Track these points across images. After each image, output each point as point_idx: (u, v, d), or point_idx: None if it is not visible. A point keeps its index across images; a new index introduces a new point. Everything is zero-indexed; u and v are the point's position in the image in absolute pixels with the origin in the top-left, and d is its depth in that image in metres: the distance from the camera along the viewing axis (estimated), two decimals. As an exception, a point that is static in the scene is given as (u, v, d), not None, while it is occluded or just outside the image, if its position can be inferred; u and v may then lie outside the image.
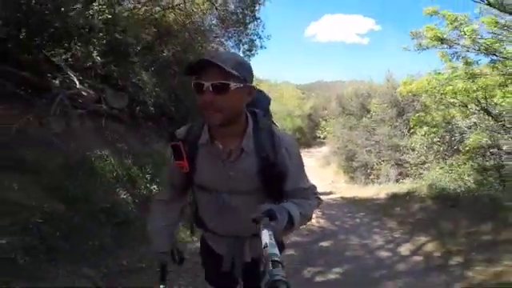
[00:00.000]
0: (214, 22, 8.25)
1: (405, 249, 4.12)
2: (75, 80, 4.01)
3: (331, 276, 3.33)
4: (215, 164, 1.11)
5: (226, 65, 0.92)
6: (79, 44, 4.07)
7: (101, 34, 4.18)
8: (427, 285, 3.07)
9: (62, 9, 3.62)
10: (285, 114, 31.29)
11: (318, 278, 3.24)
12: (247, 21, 7.77)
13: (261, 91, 1.26)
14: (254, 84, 1.06)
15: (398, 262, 3.74)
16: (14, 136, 3.19)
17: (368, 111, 16.69)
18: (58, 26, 3.62)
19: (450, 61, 7.61)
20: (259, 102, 1.19)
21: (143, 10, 6.30)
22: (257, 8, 7.73)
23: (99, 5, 4.25)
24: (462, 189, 5.60)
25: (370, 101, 17.40)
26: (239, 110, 1.04)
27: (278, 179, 1.09)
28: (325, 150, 23.48)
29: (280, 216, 0.93)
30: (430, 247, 4.06)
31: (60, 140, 3.58)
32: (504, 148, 5.49)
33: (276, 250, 0.76)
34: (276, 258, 0.72)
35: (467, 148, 6.19)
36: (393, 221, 5.65)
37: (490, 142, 5.80)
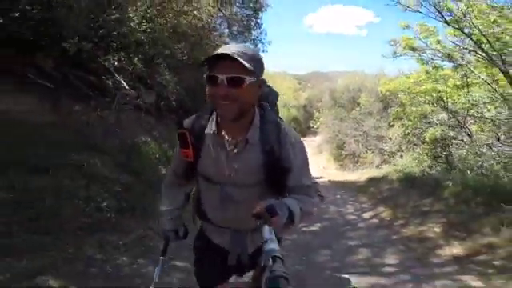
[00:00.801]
0: (221, 26, 9.44)
1: (367, 215, 5.56)
2: (123, 82, 5.28)
3: (313, 228, 4.74)
4: (220, 155, 1.10)
5: (242, 59, 0.93)
6: (127, 53, 5.33)
7: (146, 47, 5.46)
8: (375, 235, 4.48)
9: (124, 29, 4.87)
10: (281, 104, 32.52)
11: (304, 229, 4.61)
12: (251, 27, 8.97)
13: (269, 86, 1.28)
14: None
15: (360, 222, 5.17)
16: (87, 126, 4.49)
17: (358, 104, 18.09)
18: (119, 41, 4.88)
19: (423, 65, 8.99)
20: (268, 97, 1.21)
21: (165, 19, 7.47)
22: (260, 16, 8.93)
23: (146, 23, 5.51)
24: (420, 172, 7.04)
25: (360, 95, 18.79)
26: (251, 103, 1.05)
27: (281, 173, 1.09)
28: (318, 139, 24.89)
29: (280, 212, 0.93)
30: (384, 214, 5.50)
31: (115, 129, 4.89)
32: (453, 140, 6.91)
33: (276, 246, 0.78)
34: (276, 254, 0.75)
35: (426, 140, 7.62)
36: (365, 197, 7.10)
37: (444, 135, 7.20)
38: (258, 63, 0.99)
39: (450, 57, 7.91)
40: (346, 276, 3.03)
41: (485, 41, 6.28)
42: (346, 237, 4.41)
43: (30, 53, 3.99)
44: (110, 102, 4.85)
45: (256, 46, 9.13)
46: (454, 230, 4.09)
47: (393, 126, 11.72)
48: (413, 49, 8.47)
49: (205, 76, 1.00)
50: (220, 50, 0.96)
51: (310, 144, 25.18)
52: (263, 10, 9.07)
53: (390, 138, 11.19)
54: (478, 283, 2.86)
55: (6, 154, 3.11)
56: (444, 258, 3.49)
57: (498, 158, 5.93)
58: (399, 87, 9.69)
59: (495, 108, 6.85)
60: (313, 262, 3.44)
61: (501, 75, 6.49)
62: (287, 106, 34.76)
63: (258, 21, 8.93)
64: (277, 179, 1.09)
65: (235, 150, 1.08)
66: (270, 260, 0.73)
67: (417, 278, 3.04)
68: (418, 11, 7.46)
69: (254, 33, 8.98)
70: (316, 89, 42.32)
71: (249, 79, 0.96)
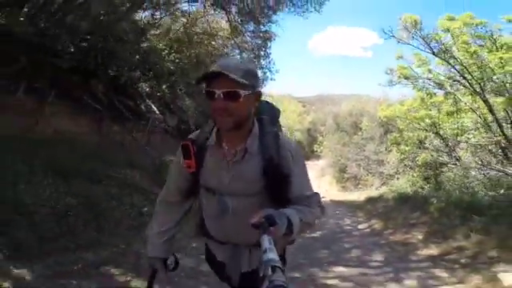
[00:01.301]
0: (232, 53, 10.52)
1: (361, 226, 6.25)
2: (153, 107, 6.23)
3: (314, 235, 5.44)
4: (220, 165, 1.13)
5: (237, 74, 0.97)
6: (158, 81, 6.33)
7: (175, 76, 6.48)
8: (366, 240, 5.18)
9: (155, 58, 5.89)
10: (285, 127, 33.58)
11: (306, 235, 5.28)
12: (261, 56, 10.06)
13: (270, 103, 1.32)
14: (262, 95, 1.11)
15: (355, 231, 5.87)
16: (123, 146, 5.39)
17: (360, 129, 19.00)
18: (152, 69, 5.90)
19: (419, 91, 9.82)
20: (269, 112, 1.23)
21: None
22: (268, 45, 10.04)
23: (175, 53, 6.57)
24: (412, 192, 7.75)
25: (361, 119, 19.74)
26: (248, 115, 1.08)
27: (280, 182, 1.10)
28: (321, 162, 25.64)
29: (279, 221, 0.93)
30: (377, 226, 6.19)
31: (146, 148, 5.78)
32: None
33: (275, 255, 0.77)
34: (275, 264, 0.74)
35: (419, 163, 8.39)
36: (361, 213, 7.78)
37: (434, 159, 7.98)
38: (252, 76, 1.03)
39: (440, 85, 8.81)
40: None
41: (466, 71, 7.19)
42: (342, 241, 5.11)
43: (87, 79, 4.96)
44: (143, 125, 5.78)
45: (265, 74, 10.19)
46: (433, 237, 4.78)
47: (391, 150, 12.50)
48: (407, 77, 9.40)
49: (203, 91, 1.05)
50: (215, 67, 1.01)
51: (314, 167, 25.87)
52: (272, 39, 10.19)
53: (388, 162, 11.95)
54: (444, 274, 3.54)
55: (68, 167, 3.98)
56: (421, 256, 4.18)
57: (480, 179, 6.65)
58: (395, 113, 10.56)
59: (480, 134, 7.66)
60: (314, 258, 4.16)
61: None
62: (292, 129, 35.80)
63: (267, 50, 10.03)
64: (276, 189, 1.11)
65: (234, 159, 1.11)
66: (270, 270, 0.73)
67: (397, 270, 3.73)
68: (409, 44, 8.46)
69: (262, 62, 10.04)
70: (320, 112, 43.53)
71: (244, 92, 1.00)
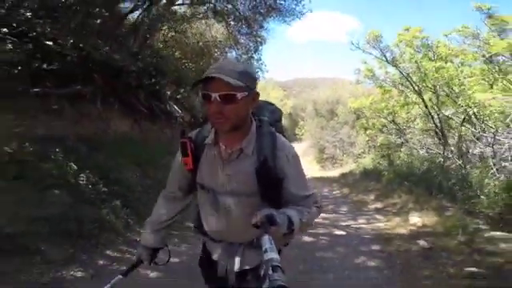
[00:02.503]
0: (229, 53, 12.28)
1: (335, 192, 8.56)
2: (175, 107, 8.09)
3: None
4: (216, 164, 1.15)
5: (232, 77, 0.97)
6: (178, 86, 8.13)
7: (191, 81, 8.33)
8: (338, 200, 7.44)
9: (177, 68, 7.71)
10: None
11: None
12: (254, 58, 11.90)
13: (271, 104, 1.35)
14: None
15: (331, 195, 8.15)
16: (161, 140, 7.26)
17: (336, 115, 21.42)
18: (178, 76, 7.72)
19: (380, 88, 12.13)
20: (269, 114, 1.25)
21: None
22: (260, 48, 11.85)
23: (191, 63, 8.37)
24: (372, 167, 10.11)
25: (337, 106, 22.14)
26: (245, 116, 1.09)
27: (275, 183, 1.11)
28: (303, 145, 28.12)
29: (280, 221, 0.95)
30: (345, 191, 8.53)
31: (172, 141, 7.66)
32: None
33: (276, 255, 0.79)
34: (276, 263, 0.75)
35: (379, 144, 10.77)
36: (336, 184, 10.12)
37: (389, 141, 10.37)
38: (249, 77, 1.03)
39: (394, 84, 11.14)
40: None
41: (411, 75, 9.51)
42: (322, 201, 7.35)
43: (136, 89, 6.71)
44: (170, 122, 7.65)
45: (257, 73, 12.02)
46: (380, 197, 7.11)
47: (360, 134, 14.92)
48: (370, 77, 11.68)
49: (200, 94, 1.06)
50: (211, 70, 1.00)
51: (296, 148, 28.28)
52: (263, 43, 12.02)
53: (357, 144, 14.42)
54: (381, 217, 5.79)
55: (139, 157, 5.80)
56: (370, 208, 6.48)
57: (419, 156, 9.07)
58: (362, 105, 12.89)
59: (422, 122, 10.06)
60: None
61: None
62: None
63: (260, 54, 11.87)
64: (271, 190, 1.12)
65: (230, 159, 1.13)
66: (271, 269, 0.74)
67: (354, 215, 5.99)
68: (371, 53, 10.66)
69: (255, 63, 11.87)
70: (300, 97, 45.82)
71: (240, 94, 1.00)
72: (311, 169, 20.80)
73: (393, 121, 11.11)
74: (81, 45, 4.76)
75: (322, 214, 5.33)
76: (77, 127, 4.99)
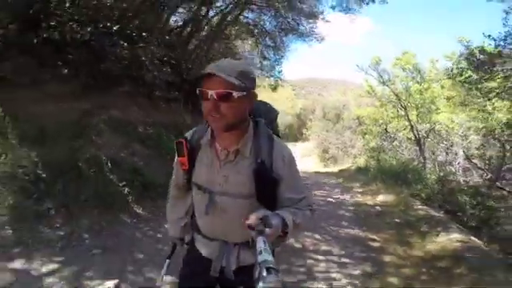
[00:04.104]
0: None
1: (331, 182, 11.10)
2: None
3: (309, 182, 10.21)
4: (212, 164, 1.18)
5: (230, 75, 0.99)
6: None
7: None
8: (333, 187, 9.98)
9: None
10: (280, 111, 38.02)
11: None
12: (275, 67, 14.38)
13: (268, 104, 1.36)
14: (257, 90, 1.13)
15: (328, 184, 10.67)
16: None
17: (342, 119, 23.87)
18: None
19: (378, 101, 14.65)
20: (265, 114, 1.27)
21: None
22: (282, 61, 14.30)
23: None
24: (364, 166, 12.66)
25: (343, 111, 24.58)
26: (242, 116, 1.10)
27: (271, 185, 1.13)
28: (309, 144, 30.60)
29: (275, 223, 0.97)
30: (340, 181, 11.07)
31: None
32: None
33: (270, 257, 0.80)
34: (271, 265, 0.76)
35: (371, 147, 13.31)
36: (334, 177, 12.67)
37: (378, 145, 12.90)
38: (247, 77, 1.05)
39: (388, 99, 13.65)
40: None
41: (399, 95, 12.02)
42: (321, 188, 9.88)
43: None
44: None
45: (277, 81, 14.38)
46: (363, 186, 9.65)
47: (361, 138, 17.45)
48: (371, 93, 14.20)
49: (197, 91, 1.06)
50: (210, 68, 1.03)
51: (302, 148, 30.81)
52: (284, 57, 14.47)
53: (356, 147, 16.97)
54: (359, 196, 8.32)
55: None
56: (354, 191, 9.03)
57: (400, 160, 11.57)
58: (363, 114, 15.43)
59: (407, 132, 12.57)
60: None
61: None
62: (284, 112, 40.36)
63: (281, 67, 14.32)
64: (267, 192, 1.14)
65: (226, 160, 1.15)
66: (265, 271, 0.74)
67: (342, 193, 8.54)
68: (371, 75, 13.21)
69: (277, 73, 14.32)
70: (310, 97, 48.13)
71: (237, 93, 1.01)
72: (314, 166, 23.38)
73: (385, 129, 13.61)
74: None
75: (321, 191, 7.99)
76: (170, 118, 7.59)
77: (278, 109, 1.44)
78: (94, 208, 4.05)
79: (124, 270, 3.12)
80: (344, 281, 3.40)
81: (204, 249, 1.30)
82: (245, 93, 1.05)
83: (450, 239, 4.37)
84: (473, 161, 7.03)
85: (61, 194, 3.97)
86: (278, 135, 1.25)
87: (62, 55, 5.58)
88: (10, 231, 3.27)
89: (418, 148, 11.62)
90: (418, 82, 11.79)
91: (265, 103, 1.37)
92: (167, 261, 1.47)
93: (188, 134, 1.26)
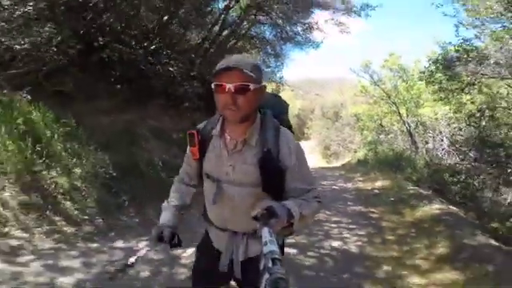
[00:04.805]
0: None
1: (335, 173, 12.32)
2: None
3: (315, 175, 11.48)
4: (221, 154, 1.21)
5: (247, 69, 1.05)
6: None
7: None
8: (337, 178, 11.21)
9: None
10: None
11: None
12: (276, 74, 15.59)
13: (278, 96, 1.43)
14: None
15: (332, 175, 11.89)
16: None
17: (340, 117, 25.13)
18: None
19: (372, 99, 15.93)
20: (275, 106, 1.31)
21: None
22: (281, 67, 15.50)
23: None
24: (362, 158, 13.88)
25: (342, 109, 25.84)
26: (256, 107, 1.16)
27: (276, 174, 1.15)
28: (310, 143, 31.89)
29: (280, 214, 0.97)
30: (342, 173, 12.29)
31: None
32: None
33: (276, 247, 0.79)
34: (276, 256, 0.75)
35: (368, 141, 14.55)
36: (336, 170, 13.89)
37: (375, 139, 14.14)
38: (258, 71, 1.12)
39: (380, 97, 14.91)
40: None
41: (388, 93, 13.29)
42: (326, 179, 11.08)
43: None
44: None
45: (277, 85, 15.60)
46: (363, 175, 10.87)
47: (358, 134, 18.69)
48: (364, 92, 15.47)
49: (213, 85, 1.11)
50: (225, 62, 1.09)
51: (305, 146, 32.03)
52: (283, 64, 15.67)
53: (354, 142, 18.22)
54: (360, 183, 9.54)
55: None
56: (355, 180, 10.25)
57: (396, 151, 12.80)
58: (360, 111, 16.69)
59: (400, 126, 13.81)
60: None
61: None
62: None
63: (281, 73, 15.54)
64: (274, 181, 1.16)
65: (234, 150, 1.19)
66: (270, 262, 0.74)
67: (345, 182, 9.78)
68: (363, 77, 14.49)
69: (278, 78, 15.50)
70: (308, 98, 49.36)
71: (253, 86, 1.07)
72: (318, 162, 24.61)
73: (380, 124, 14.85)
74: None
75: (326, 181, 9.27)
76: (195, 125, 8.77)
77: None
78: (157, 200, 5.23)
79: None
80: (353, 238, 4.61)
81: (215, 239, 1.34)
82: (259, 85, 1.11)
83: (432, 208, 5.59)
84: (456, 145, 8.20)
85: (131, 189, 5.15)
86: (289, 128, 1.29)
87: (111, 72, 6.76)
88: (101, 220, 4.34)
89: (410, 139, 12.84)
90: (404, 81, 13.04)
91: (275, 95, 1.43)
92: (145, 249, 1.51)
93: (200, 126, 1.31)
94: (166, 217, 1.37)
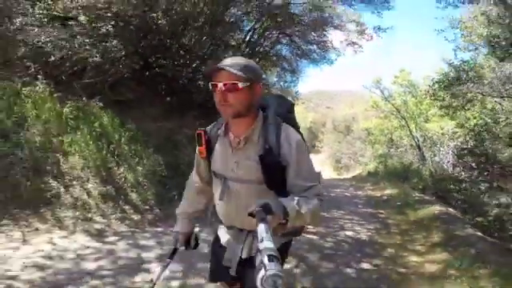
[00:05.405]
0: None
1: (346, 184, 13.18)
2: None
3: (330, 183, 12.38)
4: (226, 152, 1.29)
5: (234, 68, 1.12)
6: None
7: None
8: (348, 187, 12.06)
9: None
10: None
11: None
12: (291, 88, 16.68)
13: (282, 96, 1.48)
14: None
15: (343, 185, 12.76)
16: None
17: (352, 131, 26.02)
18: None
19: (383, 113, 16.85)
20: (278, 105, 1.34)
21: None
22: (297, 82, 16.57)
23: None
24: (374, 170, 14.72)
25: (353, 123, 26.74)
26: (248, 105, 1.19)
27: (277, 170, 1.19)
28: (321, 156, 32.71)
29: (276, 210, 0.99)
30: (353, 183, 13.14)
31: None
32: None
33: (272, 244, 0.79)
34: (272, 252, 0.76)
35: (379, 154, 15.39)
36: (347, 181, 14.74)
37: (385, 152, 14.99)
38: (250, 71, 1.16)
39: (391, 112, 15.83)
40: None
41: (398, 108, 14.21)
42: (337, 187, 11.94)
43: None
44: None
45: (293, 98, 16.62)
46: (373, 185, 11.71)
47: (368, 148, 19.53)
48: (373, 107, 16.41)
49: (210, 85, 1.20)
50: (218, 64, 1.17)
51: (316, 159, 32.89)
52: (299, 78, 16.73)
53: (365, 156, 19.09)
54: (370, 191, 10.42)
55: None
56: (365, 189, 11.10)
57: (404, 163, 13.62)
58: (371, 125, 17.61)
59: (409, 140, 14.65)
60: (328, 189, 11.07)
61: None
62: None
63: (297, 88, 16.61)
64: (275, 178, 1.19)
65: (238, 147, 1.25)
66: (266, 258, 0.74)
67: (355, 191, 10.66)
68: (375, 92, 15.49)
69: (294, 93, 16.56)
70: (318, 111, 50.37)
71: (242, 84, 1.13)
72: (329, 174, 25.37)
73: (391, 138, 15.72)
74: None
75: (338, 189, 10.22)
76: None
77: None
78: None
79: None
80: (364, 230, 5.53)
81: (223, 237, 1.39)
82: (249, 83, 1.15)
83: (432, 210, 6.46)
84: (460, 159, 9.02)
85: (177, 186, 6.20)
86: (296, 127, 1.33)
87: (159, 85, 7.93)
88: (158, 210, 5.37)
89: (419, 152, 13.66)
90: (413, 96, 13.94)
91: (278, 96, 1.47)
92: (167, 260, 1.49)
93: (209, 127, 1.39)
94: (178, 224, 1.54)
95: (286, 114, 1.34)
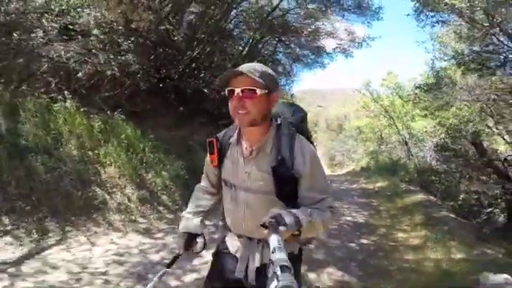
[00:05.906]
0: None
1: (341, 179, 14.24)
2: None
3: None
4: (238, 161, 1.25)
5: (254, 74, 1.10)
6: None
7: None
8: (344, 182, 13.11)
9: None
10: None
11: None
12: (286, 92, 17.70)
13: (295, 105, 1.43)
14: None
15: (338, 180, 13.80)
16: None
17: (344, 129, 27.17)
18: None
19: (372, 113, 17.97)
20: (291, 115, 1.32)
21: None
22: (292, 85, 17.58)
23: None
24: (366, 166, 15.81)
25: (345, 121, 27.90)
26: (265, 113, 1.16)
27: (290, 182, 1.16)
28: (315, 153, 33.89)
29: (288, 221, 0.98)
30: (348, 178, 14.20)
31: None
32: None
33: (284, 255, 0.79)
34: (284, 263, 0.76)
35: (370, 151, 16.51)
36: (342, 176, 15.81)
37: (375, 149, 16.11)
38: (268, 78, 1.14)
39: (380, 112, 16.95)
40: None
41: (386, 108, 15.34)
42: (333, 182, 12.91)
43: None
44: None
45: (290, 97, 17.64)
46: (366, 180, 12.74)
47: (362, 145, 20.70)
48: (365, 108, 17.54)
49: (226, 91, 1.17)
50: (236, 69, 1.14)
51: (310, 157, 34.22)
52: (294, 81, 17.70)
53: (357, 152, 20.27)
54: (363, 184, 11.46)
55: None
56: (359, 182, 12.17)
57: (394, 159, 14.73)
58: (362, 124, 18.72)
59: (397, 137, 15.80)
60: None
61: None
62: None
63: (292, 91, 17.58)
64: (287, 189, 1.17)
65: (250, 157, 1.22)
66: (279, 269, 0.74)
67: (351, 185, 11.71)
68: (364, 94, 16.57)
69: (289, 97, 17.51)
70: (311, 111, 51.56)
71: (260, 91, 1.11)
72: (325, 171, 26.51)
73: (380, 136, 16.85)
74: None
75: (335, 183, 11.28)
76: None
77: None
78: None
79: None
80: (360, 216, 6.57)
81: (232, 246, 1.36)
82: (267, 91, 1.13)
83: (416, 198, 7.55)
84: (439, 153, 10.15)
85: (197, 187, 7.13)
86: (308, 137, 1.30)
87: (170, 95, 8.82)
88: None
89: (406, 148, 14.81)
90: (400, 97, 15.06)
91: (291, 104, 1.44)
92: (165, 270, 1.40)
93: (220, 134, 1.34)
94: (183, 224, 1.45)
95: (299, 123, 1.32)
